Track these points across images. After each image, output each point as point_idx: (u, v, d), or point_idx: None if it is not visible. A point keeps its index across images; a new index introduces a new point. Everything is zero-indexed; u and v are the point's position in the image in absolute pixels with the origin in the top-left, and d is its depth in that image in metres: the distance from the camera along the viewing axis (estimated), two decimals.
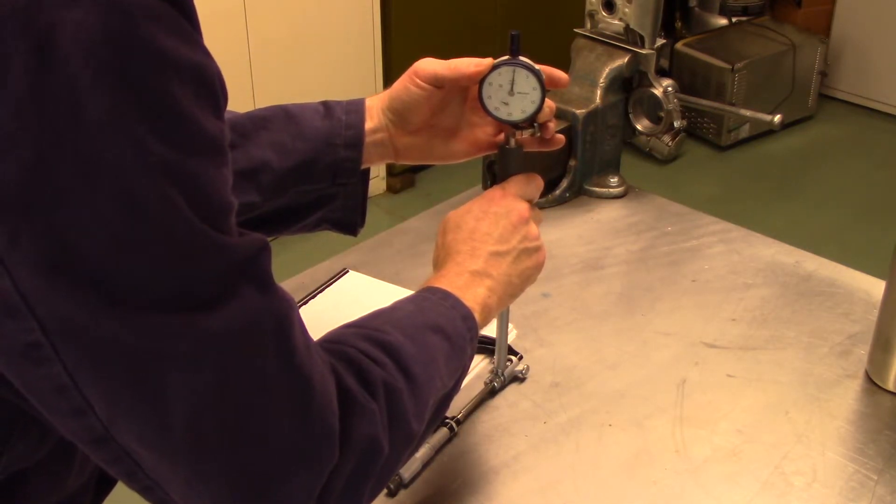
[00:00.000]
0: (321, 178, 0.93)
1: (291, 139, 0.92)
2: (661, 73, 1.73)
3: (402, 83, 0.91)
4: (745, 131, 3.60)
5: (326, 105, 0.95)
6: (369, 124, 0.94)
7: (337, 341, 0.69)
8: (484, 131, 0.95)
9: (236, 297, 0.55)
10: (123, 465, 0.57)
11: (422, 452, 0.93)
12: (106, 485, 0.78)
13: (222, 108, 0.56)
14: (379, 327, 0.72)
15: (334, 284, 1.22)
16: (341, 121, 0.93)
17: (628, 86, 1.41)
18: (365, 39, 3.05)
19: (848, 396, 1.03)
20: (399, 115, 0.93)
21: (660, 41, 1.38)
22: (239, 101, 0.77)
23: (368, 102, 0.95)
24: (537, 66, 0.84)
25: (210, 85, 0.54)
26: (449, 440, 0.97)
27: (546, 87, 0.84)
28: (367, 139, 0.93)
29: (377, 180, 3.23)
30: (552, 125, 0.90)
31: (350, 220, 0.98)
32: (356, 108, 0.94)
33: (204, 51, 0.54)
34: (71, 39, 0.48)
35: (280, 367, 0.58)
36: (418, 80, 0.90)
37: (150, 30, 0.50)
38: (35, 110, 0.48)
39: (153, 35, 0.50)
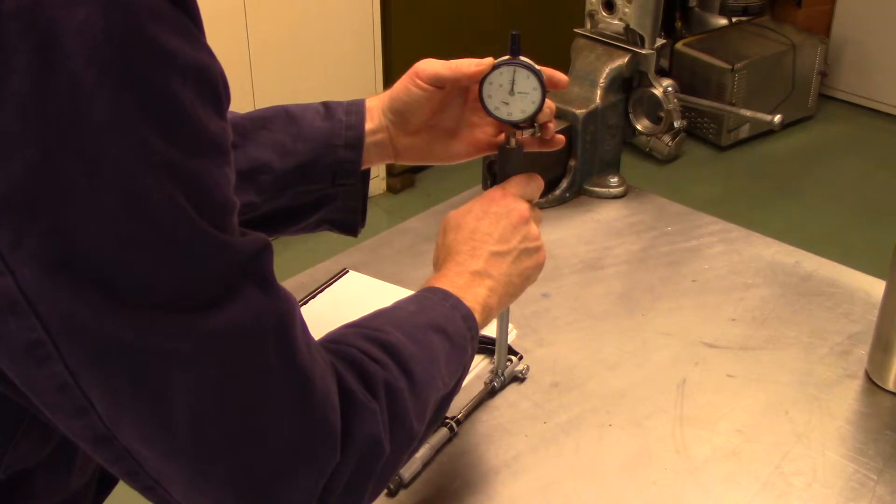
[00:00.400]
0: (321, 179, 0.94)
1: (292, 140, 0.92)
2: (661, 73, 1.73)
3: (403, 84, 0.91)
4: (745, 131, 3.60)
5: (327, 105, 0.95)
6: (369, 125, 0.94)
7: (338, 341, 0.69)
8: (484, 132, 0.95)
9: (238, 297, 0.55)
10: (125, 464, 0.57)
11: (422, 452, 0.93)
12: (107, 484, 0.78)
13: (225, 107, 0.56)
14: (380, 327, 0.72)
15: (334, 284, 1.22)
16: (341, 121, 0.93)
17: (628, 86, 1.41)
18: (365, 39, 3.05)
19: (848, 396, 1.03)
20: (400, 115, 0.93)
21: (660, 41, 1.38)
22: (239, 101, 0.76)
23: (369, 103, 0.95)
24: (538, 67, 0.84)
25: (213, 85, 0.54)
26: (449, 440, 0.97)
27: (546, 88, 0.84)
28: (368, 140, 0.93)
29: (377, 180, 3.23)
30: (552, 126, 0.91)
31: (350, 220, 0.98)
32: (356, 109, 0.94)
33: (207, 51, 0.54)
34: (74, 38, 0.48)
35: (281, 366, 0.58)
36: (419, 81, 0.90)
37: (154, 29, 0.50)
38: (39, 110, 0.48)
39: (157, 34, 0.50)
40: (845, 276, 1.23)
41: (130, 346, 0.52)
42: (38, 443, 0.64)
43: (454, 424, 0.97)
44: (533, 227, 0.87)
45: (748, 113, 1.41)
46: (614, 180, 1.43)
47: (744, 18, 3.83)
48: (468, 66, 0.87)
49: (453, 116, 0.94)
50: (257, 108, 0.96)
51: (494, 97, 0.85)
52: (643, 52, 1.37)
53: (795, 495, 0.90)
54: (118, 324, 0.51)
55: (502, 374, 1.04)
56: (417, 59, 0.91)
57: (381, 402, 0.66)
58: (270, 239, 0.61)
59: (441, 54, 0.91)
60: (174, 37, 0.51)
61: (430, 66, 0.89)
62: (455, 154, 0.96)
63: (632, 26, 1.36)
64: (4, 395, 0.57)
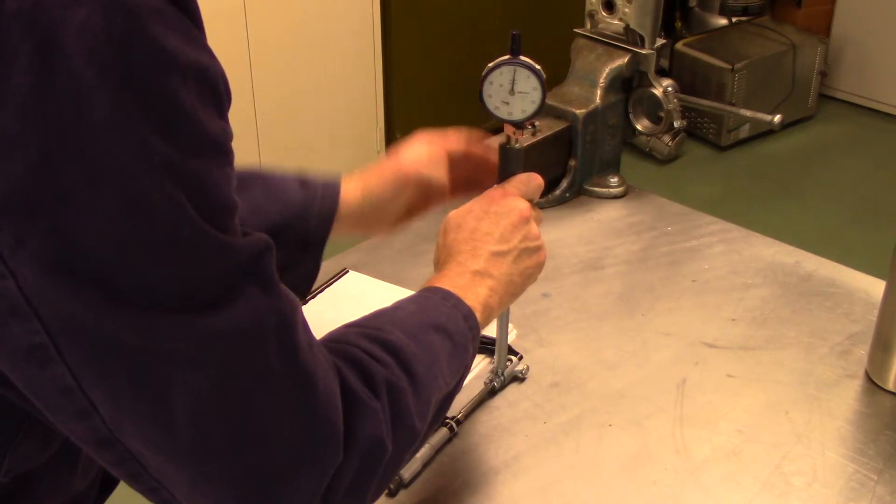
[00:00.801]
0: (290, 245, 0.94)
1: (268, 204, 0.93)
2: (661, 73, 1.73)
3: (384, 180, 0.95)
4: (745, 131, 3.60)
5: (303, 179, 0.95)
6: (343, 207, 0.95)
7: (339, 341, 0.69)
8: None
9: (240, 297, 0.55)
10: (128, 466, 0.57)
11: (422, 452, 0.93)
12: (109, 486, 0.78)
13: (226, 108, 0.56)
14: (381, 326, 0.72)
15: (334, 284, 1.22)
16: (316, 193, 0.94)
17: (628, 86, 1.41)
18: (365, 39, 3.05)
19: (848, 396, 1.03)
20: (376, 211, 0.96)
21: (660, 41, 1.38)
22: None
23: (344, 185, 0.96)
24: (538, 66, 0.84)
25: (214, 85, 0.54)
26: (449, 440, 0.97)
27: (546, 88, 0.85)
28: (340, 214, 0.95)
29: None
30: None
31: (303, 287, 0.98)
32: (332, 184, 0.95)
33: (208, 51, 0.54)
34: (75, 38, 0.48)
35: (283, 366, 0.58)
36: (407, 179, 0.95)
37: (155, 29, 0.50)
38: (39, 110, 0.48)
39: (157, 35, 0.50)
40: (845, 276, 1.23)
41: (131, 346, 0.52)
42: (40, 445, 0.63)
43: (454, 424, 0.97)
44: (533, 227, 0.87)
45: (748, 113, 1.41)
46: (614, 180, 1.43)
47: (744, 18, 3.83)
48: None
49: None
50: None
51: (494, 97, 0.85)
52: (643, 52, 1.37)
53: (795, 495, 0.90)
54: (119, 324, 0.51)
55: (502, 374, 1.04)
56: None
57: (382, 401, 0.66)
58: None
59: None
60: (174, 37, 0.51)
61: (413, 167, 0.94)
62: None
63: (632, 26, 1.36)
64: (5, 398, 0.57)
